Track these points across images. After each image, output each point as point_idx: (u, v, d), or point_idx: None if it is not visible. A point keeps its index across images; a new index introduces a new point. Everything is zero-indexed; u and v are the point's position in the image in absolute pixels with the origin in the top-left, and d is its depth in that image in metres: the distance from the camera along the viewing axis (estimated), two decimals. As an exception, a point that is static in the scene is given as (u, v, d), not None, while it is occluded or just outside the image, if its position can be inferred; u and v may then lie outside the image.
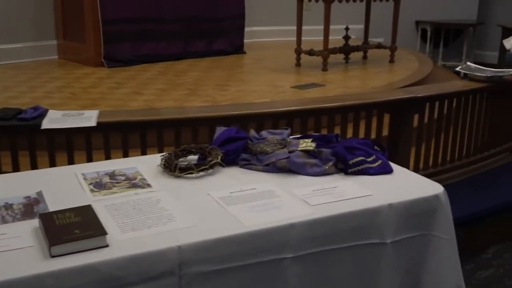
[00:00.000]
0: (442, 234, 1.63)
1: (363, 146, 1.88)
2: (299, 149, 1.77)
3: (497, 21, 8.27)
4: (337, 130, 2.77)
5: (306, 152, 1.76)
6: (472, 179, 3.39)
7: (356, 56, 5.64)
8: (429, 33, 7.90)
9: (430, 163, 3.21)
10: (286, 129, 1.94)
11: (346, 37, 5.37)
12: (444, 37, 8.16)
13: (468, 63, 3.51)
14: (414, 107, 2.95)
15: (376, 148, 1.96)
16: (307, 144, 1.80)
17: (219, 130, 1.92)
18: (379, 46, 5.63)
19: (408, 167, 3.00)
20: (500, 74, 3.30)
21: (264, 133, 1.91)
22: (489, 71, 3.36)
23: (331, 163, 1.73)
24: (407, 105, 2.91)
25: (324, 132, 2.57)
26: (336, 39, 5.37)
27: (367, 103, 2.78)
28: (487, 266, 2.75)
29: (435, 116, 3.16)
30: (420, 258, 1.62)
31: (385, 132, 3.04)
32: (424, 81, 4.77)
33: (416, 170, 3.13)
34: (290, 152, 1.76)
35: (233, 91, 4.20)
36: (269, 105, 3.02)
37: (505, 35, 6.95)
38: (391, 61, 5.55)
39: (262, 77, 4.85)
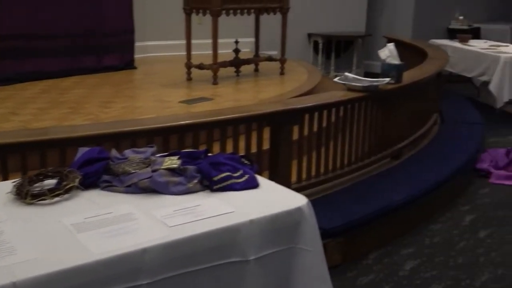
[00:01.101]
0: (308, 247, 1.62)
1: (230, 161, 1.85)
2: (163, 167, 1.71)
3: (383, 32, 8.71)
4: (216, 146, 2.74)
5: (171, 170, 1.70)
6: (355, 186, 3.49)
7: (248, 69, 5.69)
8: (320, 45, 8.15)
9: (313, 173, 3.26)
10: (151, 147, 1.88)
11: (236, 51, 5.40)
12: (335, 49, 8.47)
13: (346, 73, 3.62)
14: (292, 118, 2.99)
15: (245, 161, 1.94)
16: (172, 161, 1.74)
17: (81, 151, 1.82)
18: (269, 58, 5.71)
19: (289, 180, 3.05)
20: (375, 83, 3.44)
21: (127, 152, 1.83)
22: (366, 81, 3.48)
23: (195, 181, 1.68)
24: (285, 117, 2.94)
25: (203, 147, 2.53)
26: (228, 52, 5.39)
27: (245, 117, 2.78)
28: (367, 272, 2.82)
29: (316, 127, 3.22)
30: (287, 272, 1.60)
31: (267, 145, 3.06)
32: (312, 91, 4.89)
33: (298, 181, 3.18)
34: (153, 171, 1.69)
35: (117, 108, 4.06)
36: (133, 123, 2.90)
37: (389, 46, 7.31)
38: (282, 73, 5.64)
39: (150, 92, 4.75)
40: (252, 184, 1.73)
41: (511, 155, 4.51)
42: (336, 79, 3.54)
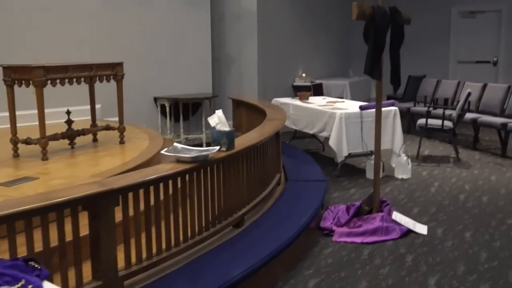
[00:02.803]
0: None
1: (9, 270, 1.55)
2: None
3: (232, 93, 8.82)
4: (21, 239, 2.38)
5: None
6: (193, 263, 3.25)
7: (86, 139, 5.33)
8: (167, 108, 8.00)
9: (144, 256, 2.99)
10: None
11: (69, 121, 5.03)
12: (184, 111, 8.36)
13: (175, 143, 3.45)
14: (112, 200, 2.72)
15: (35, 265, 1.64)
16: None
17: None
18: (107, 127, 5.40)
19: (116, 267, 2.75)
20: (204, 153, 3.29)
21: None
22: (195, 151, 3.33)
23: None
24: (103, 199, 2.67)
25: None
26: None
27: (54, 204, 2.46)
28: None
29: (143, 205, 2.97)
30: None
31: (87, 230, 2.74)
32: (153, 159, 4.66)
33: (127, 267, 2.88)
34: None
35: None
36: None
37: (234, 106, 7.37)
38: (121, 142, 5.35)
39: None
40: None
41: (351, 211, 4.58)
42: (163, 151, 3.34)
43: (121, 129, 5.38)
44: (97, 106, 6.89)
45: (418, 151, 7.34)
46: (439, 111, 7.58)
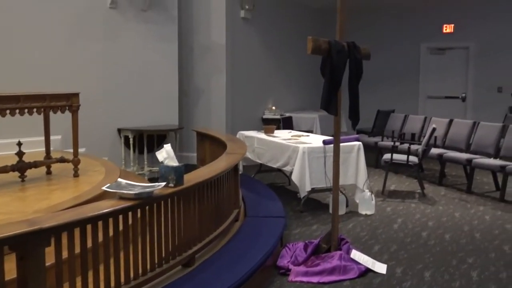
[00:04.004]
0: None
1: None
2: None
3: (196, 126, 8.73)
4: None
5: None
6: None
7: (39, 172, 5.14)
8: (131, 140, 7.84)
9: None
10: None
11: (19, 153, 4.84)
12: (149, 143, 8.21)
13: (119, 179, 3.30)
14: (43, 240, 2.54)
15: None
16: None
17: None
18: (61, 160, 5.22)
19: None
20: (149, 189, 3.15)
21: None
22: (139, 187, 3.18)
23: None
24: (33, 240, 2.49)
25: None
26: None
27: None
28: None
29: (79, 246, 2.80)
30: None
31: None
32: (105, 194, 4.47)
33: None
34: None
35: None
36: None
37: (198, 138, 7.25)
38: (76, 175, 5.17)
39: None
40: None
41: (309, 249, 4.45)
42: (104, 187, 3.19)
43: (76, 162, 5.20)
44: (58, 137, 6.72)
45: (383, 186, 7.28)
46: (406, 146, 7.56)
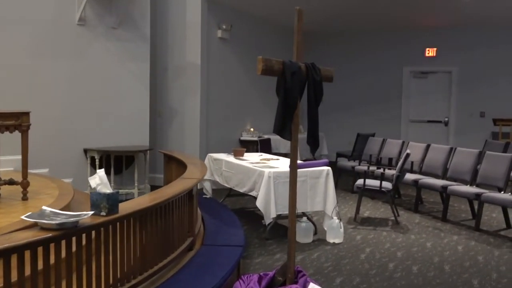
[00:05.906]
0: None
1: None
2: None
3: (169, 147, 8.50)
4: None
5: None
6: None
7: (-11, 194, 4.89)
8: (97, 161, 7.57)
9: None
10: None
11: (-38, 175, 4.59)
12: (117, 164, 7.95)
13: (44, 207, 3.03)
14: None
15: None
16: None
17: None
18: (10, 182, 4.95)
19: None
20: (73, 219, 2.88)
21: None
22: (64, 216, 2.92)
23: None
24: None
25: None
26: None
27: None
28: None
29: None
30: None
31: None
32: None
33: None
34: None
35: None
36: None
37: (165, 160, 6.99)
38: (24, 198, 4.90)
39: None
40: None
41: (264, 282, 4.17)
42: (24, 216, 2.92)
43: (24, 184, 4.93)
44: (19, 157, 6.46)
45: (356, 212, 7.03)
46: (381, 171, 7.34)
